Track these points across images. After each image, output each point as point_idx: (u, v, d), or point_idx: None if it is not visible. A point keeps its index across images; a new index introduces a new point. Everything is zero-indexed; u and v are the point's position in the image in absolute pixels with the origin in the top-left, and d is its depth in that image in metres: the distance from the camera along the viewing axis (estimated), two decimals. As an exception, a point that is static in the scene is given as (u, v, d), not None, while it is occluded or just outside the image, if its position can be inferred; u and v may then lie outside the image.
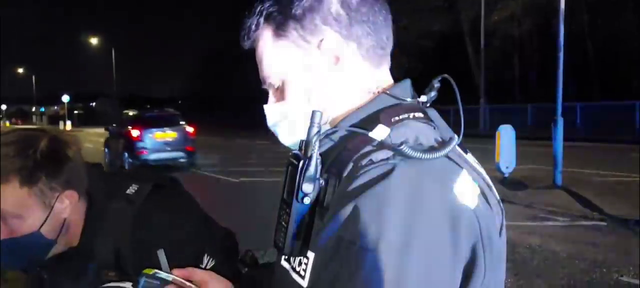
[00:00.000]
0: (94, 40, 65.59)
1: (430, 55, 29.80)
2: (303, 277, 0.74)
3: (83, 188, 1.20)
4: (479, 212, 0.70)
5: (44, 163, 1.11)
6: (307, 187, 0.73)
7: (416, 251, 0.65)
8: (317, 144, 0.74)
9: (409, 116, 0.77)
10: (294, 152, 0.78)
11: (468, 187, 0.71)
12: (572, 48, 11.70)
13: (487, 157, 11.42)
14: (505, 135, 9.46)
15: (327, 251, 0.69)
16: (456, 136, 0.74)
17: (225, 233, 1.33)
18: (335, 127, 0.80)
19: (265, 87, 0.89)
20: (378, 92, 0.82)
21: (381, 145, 0.72)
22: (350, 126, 0.78)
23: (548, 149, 9.88)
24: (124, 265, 1.18)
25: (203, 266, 1.21)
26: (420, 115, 0.78)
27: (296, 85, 0.84)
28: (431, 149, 0.71)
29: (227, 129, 35.60)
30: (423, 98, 0.82)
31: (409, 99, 0.81)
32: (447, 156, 0.72)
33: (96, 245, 1.20)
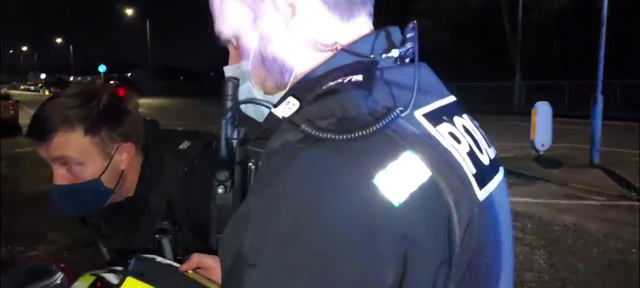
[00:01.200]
0: (129, 11, 66.56)
1: (466, 30, 29.15)
2: None
3: (140, 142, 1.26)
4: (415, 207, 0.53)
5: (106, 114, 1.17)
6: (222, 175, 0.67)
7: (307, 270, 0.50)
8: (227, 122, 0.67)
9: (343, 81, 0.60)
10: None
11: (401, 176, 0.53)
12: (614, 24, 11.25)
13: (521, 134, 11.27)
14: (542, 112, 9.24)
15: (225, 263, 0.57)
16: (398, 108, 0.56)
17: None
18: (248, 101, 0.70)
19: (222, 44, 0.77)
20: (336, 49, 0.66)
21: (285, 129, 0.58)
22: (278, 103, 0.64)
23: (585, 127, 9.63)
24: (175, 215, 1.25)
25: None
26: (359, 78, 0.60)
27: (249, 41, 0.71)
28: (348, 129, 0.53)
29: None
30: (394, 52, 0.65)
31: (373, 56, 0.65)
32: (389, 133, 0.55)
33: (151, 195, 1.27)
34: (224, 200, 0.67)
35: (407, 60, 0.66)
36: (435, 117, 0.62)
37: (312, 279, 0.50)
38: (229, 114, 0.66)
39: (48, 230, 5.23)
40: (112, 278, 0.94)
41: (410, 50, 0.65)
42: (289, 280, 0.50)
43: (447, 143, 0.60)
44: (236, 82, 0.67)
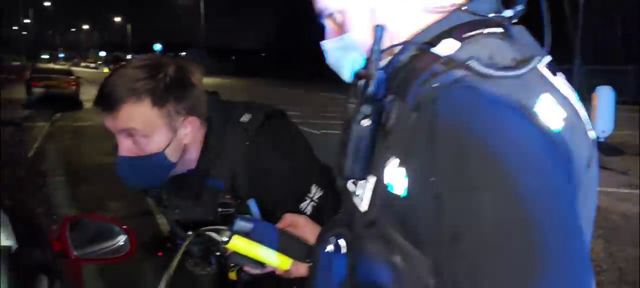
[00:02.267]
0: (184, -9, 67.71)
1: (524, 14, 27.99)
2: (362, 201, 0.72)
3: (204, 115, 1.25)
4: (566, 136, 0.62)
5: (173, 87, 1.17)
6: (366, 109, 0.68)
7: (512, 185, 0.55)
8: (379, 60, 0.69)
9: (482, 32, 0.68)
10: (358, 71, 0.74)
11: (551, 109, 0.62)
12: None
13: (580, 120, 10.69)
14: (603, 97, 8.68)
15: (416, 199, 0.61)
16: (537, 55, 0.66)
17: (326, 166, 1.39)
18: (400, 44, 0.73)
19: (322, 20, 0.82)
20: (452, 9, 0.71)
21: (449, 63, 0.64)
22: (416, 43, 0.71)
23: (651, 114, 9.12)
24: (237, 189, 1.25)
25: (311, 195, 1.28)
26: (497, 30, 0.69)
27: (358, 12, 0.75)
28: (506, 67, 0.63)
29: (309, 81, 35.89)
30: (508, 12, 0.71)
31: (491, 15, 0.71)
32: (526, 78, 0.63)
33: (213, 169, 1.27)
34: (364, 132, 0.69)
35: (514, 20, 0.72)
36: (551, 70, 0.70)
37: (507, 192, 0.55)
38: (377, 54, 0.69)
39: (108, 200, 5.47)
40: (215, 236, 0.98)
41: (518, 11, 0.72)
42: (488, 197, 0.55)
43: (565, 91, 0.69)
44: (382, 27, 0.69)
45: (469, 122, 0.58)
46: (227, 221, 1.21)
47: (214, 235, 0.97)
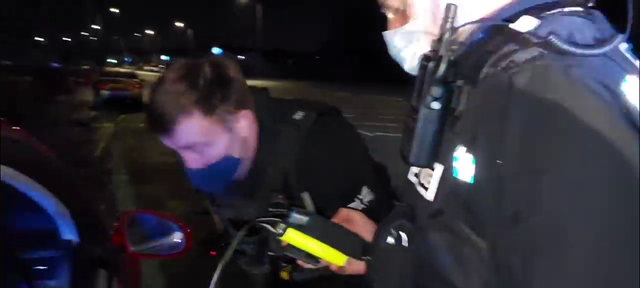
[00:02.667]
0: (242, -4, 69.31)
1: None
2: (427, 190, 0.70)
3: (252, 105, 1.23)
4: None
5: (215, 89, 1.14)
6: (436, 91, 0.66)
7: (590, 169, 0.53)
8: (451, 40, 0.66)
9: (562, 10, 0.65)
10: (426, 52, 0.70)
11: (634, 91, 0.58)
12: None
13: None
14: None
15: (482, 184, 0.59)
16: (620, 34, 0.62)
17: (380, 166, 1.35)
18: (476, 21, 0.70)
19: (383, 11, 0.82)
20: None
21: (526, 40, 0.61)
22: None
23: None
24: (290, 188, 1.23)
25: (361, 197, 1.24)
26: (578, 8, 0.65)
27: (422, 1, 0.74)
28: (588, 46, 0.59)
29: (364, 82, 35.81)
30: None
31: None
32: (609, 57, 0.60)
33: (265, 168, 1.25)
34: (432, 116, 0.66)
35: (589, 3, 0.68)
36: (631, 53, 0.67)
37: (582, 175, 0.53)
38: (448, 34, 0.66)
39: (168, 198, 5.65)
40: (269, 228, 0.97)
41: None
42: (561, 179, 0.53)
43: None
44: (455, 6, 0.66)
45: (546, 100, 0.55)
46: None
47: (268, 227, 0.96)
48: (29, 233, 1.46)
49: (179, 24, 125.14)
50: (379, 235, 0.83)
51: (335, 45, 64.96)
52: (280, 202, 1.21)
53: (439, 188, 0.67)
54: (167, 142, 1.16)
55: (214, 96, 1.14)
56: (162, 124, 1.13)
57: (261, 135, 1.25)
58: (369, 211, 1.23)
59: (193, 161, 1.17)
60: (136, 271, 1.84)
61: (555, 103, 0.54)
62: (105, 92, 18.00)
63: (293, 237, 0.96)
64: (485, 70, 0.63)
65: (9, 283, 1.32)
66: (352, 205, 1.23)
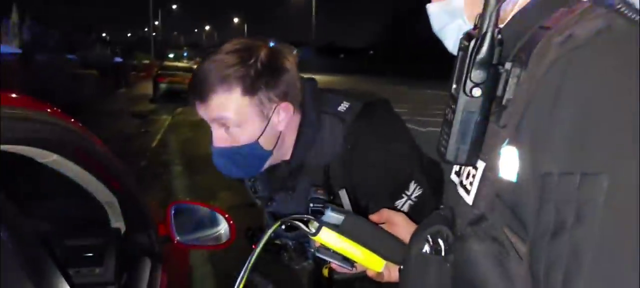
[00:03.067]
0: (297, -9, 69.78)
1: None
2: (469, 193, 0.60)
3: (298, 101, 1.19)
4: None
5: (264, 73, 1.10)
6: (478, 75, 0.56)
7: None
8: (495, 15, 0.56)
9: None
10: (467, 31, 0.61)
11: None
12: None
13: None
14: None
15: (525, 183, 0.50)
16: None
17: (431, 162, 1.27)
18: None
19: None
20: None
21: (590, 11, 0.51)
22: None
23: None
24: (333, 183, 1.17)
25: (409, 193, 1.17)
26: None
27: None
28: None
29: (416, 78, 35.26)
30: None
31: None
32: None
33: (307, 160, 1.20)
34: (473, 105, 0.57)
35: None
36: None
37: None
38: (494, 7, 0.56)
39: (219, 189, 5.76)
40: (301, 226, 0.91)
41: None
42: (615, 181, 0.44)
43: None
44: None
45: (609, 84, 0.45)
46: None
47: (300, 224, 0.89)
48: (79, 221, 1.50)
49: (235, 19, 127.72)
50: (414, 242, 0.73)
51: (388, 39, 64.35)
52: (321, 197, 1.16)
53: (480, 190, 0.58)
54: (201, 110, 1.14)
55: (260, 79, 1.10)
56: (200, 89, 1.11)
57: (303, 126, 1.20)
58: (416, 209, 1.17)
59: (220, 138, 1.14)
60: (184, 262, 1.86)
61: (617, 89, 0.45)
62: (163, 86, 18.62)
63: (327, 238, 0.89)
64: (539, 49, 0.52)
65: (56, 270, 1.35)
66: (398, 201, 1.17)
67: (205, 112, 1.13)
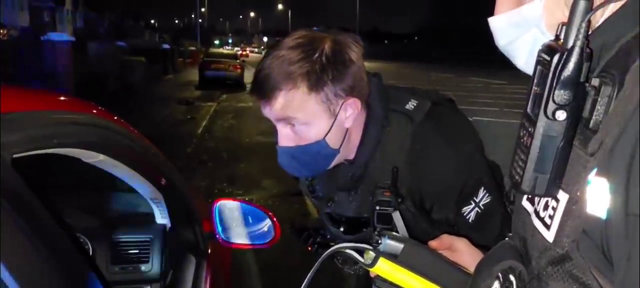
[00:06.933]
0: (340, -23, 69.39)
1: None
2: (548, 227, 0.52)
3: (365, 96, 1.12)
4: None
5: (329, 67, 1.04)
6: (564, 95, 0.49)
7: None
8: (586, 25, 0.48)
9: None
10: (547, 43, 0.53)
11: None
12: None
13: None
14: None
15: (616, 221, 0.44)
16: None
17: (492, 164, 1.19)
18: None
19: None
20: None
21: None
22: None
23: None
24: (400, 186, 1.12)
25: (477, 200, 1.11)
26: None
27: None
28: None
29: (460, 65, 34.51)
30: None
31: None
32: None
33: (373, 160, 1.15)
34: (556, 130, 0.50)
35: None
36: None
37: None
38: (583, 17, 0.49)
39: (263, 178, 5.80)
40: (357, 257, 0.83)
41: None
42: None
43: None
44: None
45: None
46: (385, 221, 1.08)
47: (355, 255, 0.83)
48: (126, 217, 1.51)
49: (279, 6, 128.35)
50: (481, 278, 0.65)
51: (432, 24, 63.22)
52: (387, 200, 1.09)
53: (563, 226, 0.50)
54: (265, 109, 1.08)
55: (325, 74, 1.04)
56: (264, 88, 1.05)
57: (369, 124, 1.14)
58: (484, 217, 1.11)
59: (285, 137, 1.09)
60: (226, 259, 1.87)
61: None
62: (209, 73, 18.93)
63: (384, 269, 0.81)
64: (637, 63, 0.45)
65: (102, 264, 1.37)
66: (465, 208, 1.11)
67: (270, 111, 1.08)
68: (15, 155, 0.71)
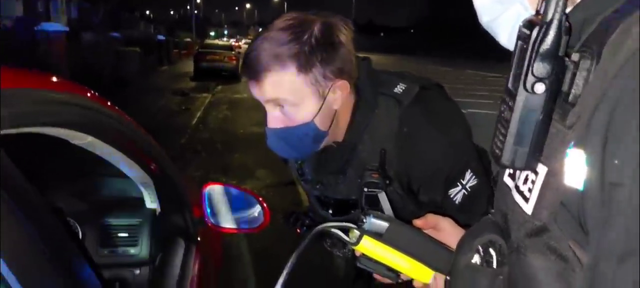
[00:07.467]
0: (336, -32, 69.18)
1: None
2: (527, 200, 0.53)
3: (354, 79, 1.13)
4: None
5: (319, 48, 1.05)
6: (542, 69, 0.49)
7: None
8: (563, 1, 0.49)
9: None
10: (527, 18, 0.54)
11: None
12: None
13: None
14: None
15: (592, 192, 0.44)
16: None
17: (480, 150, 1.21)
18: None
19: None
20: None
21: None
22: None
23: None
24: (388, 168, 1.12)
25: (464, 182, 1.12)
26: None
27: None
28: None
29: (457, 58, 34.51)
30: None
31: None
32: None
33: (361, 143, 1.16)
34: (535, 103, 0.51)
35: None
36: None
37: None
38: None
39: (257, 168, 5.81)
40: (342, 236, 0.84)
41: None
42: None
43: None
44: None
45: None
46: (373, 203, 1.10)
47: (340, 233, 0.83)
48: (116, 201, 1.52)
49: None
50: (462, 252, 0.66)
51: (428, 17, 63.20)
52: (375, 182, 1.10)
53: (541, 198, 0.51)
54: (255, 90, 1.09)
55: (315, 55, 1.05)
56: (254, 69, 1.06)
57: (358, 106, 1.15)
58: (471, 200, 1.13)
59: (274, 119, 1.10)
60: (217, 244, 1.87)
61: None
62: (204, 64, 18.85)
63: (369, 247, 0.82)
64: (614, 37, 0.45)
65: (91, 247, 1.38)
66: (452, 190, 1.13)
67: (259, 92, 1.09)
68: (2, 132, 0.71)
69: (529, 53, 0.50)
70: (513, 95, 0.52)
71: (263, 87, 1.06)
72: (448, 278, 0.73)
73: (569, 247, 0.48)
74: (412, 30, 69.52)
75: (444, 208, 1.13)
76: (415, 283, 0.91)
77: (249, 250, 3.56)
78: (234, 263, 3.34)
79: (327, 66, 1.06)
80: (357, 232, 0.82)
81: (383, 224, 0.83)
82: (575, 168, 0.46)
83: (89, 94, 1.09)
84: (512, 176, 0.59)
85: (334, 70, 1.07)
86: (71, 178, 1.46)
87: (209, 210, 1.52)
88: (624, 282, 0.40)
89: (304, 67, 1.04)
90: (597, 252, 0.43)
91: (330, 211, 1.32)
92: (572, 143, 0.47)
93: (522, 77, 0.50)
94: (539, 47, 0.49)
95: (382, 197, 1.05)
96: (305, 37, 1.04)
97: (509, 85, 0.53)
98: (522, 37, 0.52)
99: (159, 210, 1.48)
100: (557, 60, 0.49)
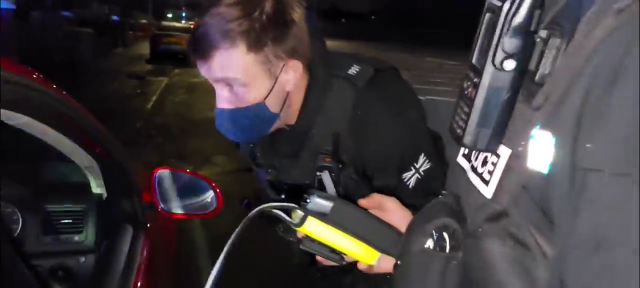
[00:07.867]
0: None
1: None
2: (487, 183, 0.51)
3: (307, 59, 1.09)
4: None
5: (270, 26, 1.00)
6: (513, 44, 0.47)
7: None
8: None
9: None
10: None
11: None
12: None
13: None
14: None
15: (558, 176, 0.42)
16: None
17: (434, 134, 1.21)
18: None
19: None
20: None
21: None
22: None
23: None
24: (341, 153, 1.10)
25: (417, 166, 1.11)
26: None
27: None
28: None
29: (417, 46, 34.92)
30: None
31: None
32: None
33: (314, 126, 1.13)
34: (502, 80, 0.48)
35: None
36: None
37: None
38: None
39: (215, 154, 5.72)
40: (283, 217, 0.80)
41: None
42: None
43: None
44: None
45: None
46: (324, 189, 1.08)
47: (282, 214, 0.80)
48: (59, 186, 1.45)
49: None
50: (414, 236, 0.63)
51: (390, 4, 63.65)
52: (329, 166, 1.09)
53: (503, 182, 0.49)
54: (203, 69, 1.04)
55: (265, 33, 1.00)
56: (202, 47, 1.01)
57: (311, 88, 1.12)
58: (423, 183, 1.13)
59: (223, 99, 1.06)
60: (170, 230, 1.83)
61: None
62: (161, 46, 18.39)
63: (314, 228, 0.79)
64: (588, 15, 0.43)
65: (33, 235, 1.31)
66: (406, 174, 1.12)
67: (207, 71, 1.04)
68: None
69: (500, 26, 0.48)
70: (479, 72, 0.49)
71: (211, 66, 1.02)
72: (399, 262, 0.71)
73: (530, 233, 0.46)
74: (373, 17, 69.88)
75: (398, 192, 1.13)
76: (359, 265, 0.89)
77: (205, 237, 3.51)
78: (188, 250, 3.29)
79: (279, 45, 1.02)
80: (300, 213, 0.79)
81: (327, 204, 0.80)
82: (541, 151, 0.44)
83: (28, 73, 1.02)
84: (467, 157, 0.57)
85: (286, 50, 1.03)
86: (10, 162, 1.38)
87: (159, 195, 1.48)
88: (598, 271, 0.38)
89: (255, 45, 1.00)
90: (568, 240, 0.41)
91: (283, 196, 1.29)
92: (538, 125, 0.45)
93: (491, 52, 0.48)
94: (511, 20, 0.47)
95: (326, 177, 1.03)
96: (256, 13, 0.99)
97: (474, 60, 0.51)
98: (492, 9, 0.49)
99: (105, 195, 1.43)
100: (528, 35, 0.47)
